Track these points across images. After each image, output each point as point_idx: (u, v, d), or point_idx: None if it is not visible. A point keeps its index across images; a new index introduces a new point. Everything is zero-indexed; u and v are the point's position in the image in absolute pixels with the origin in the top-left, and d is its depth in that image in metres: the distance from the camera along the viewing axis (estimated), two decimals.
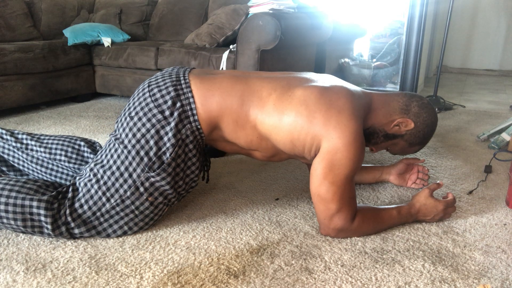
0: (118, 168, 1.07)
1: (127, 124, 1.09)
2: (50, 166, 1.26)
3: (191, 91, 1.11)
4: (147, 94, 1.11)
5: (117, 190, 1.06)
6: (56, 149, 1.25)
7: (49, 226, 1.03)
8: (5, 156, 1.27)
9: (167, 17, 3.18)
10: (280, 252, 1.05)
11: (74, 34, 2.84)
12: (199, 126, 1.10)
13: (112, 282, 0.92)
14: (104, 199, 1.06)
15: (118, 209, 1.07)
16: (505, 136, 1.93)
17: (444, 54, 3.13)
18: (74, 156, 1.26)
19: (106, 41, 2.87)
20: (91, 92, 3.00)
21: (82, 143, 1.28)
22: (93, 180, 1.07)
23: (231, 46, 2.36)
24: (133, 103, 1.12)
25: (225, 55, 2.31)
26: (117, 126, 1.12)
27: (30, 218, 1.02)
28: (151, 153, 1.06)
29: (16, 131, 1.28)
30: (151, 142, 1.06)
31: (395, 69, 3.11)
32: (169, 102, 1.08)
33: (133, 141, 1.07)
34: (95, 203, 1.06)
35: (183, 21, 3.10)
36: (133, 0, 3.35)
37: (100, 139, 2.02)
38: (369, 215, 1.12)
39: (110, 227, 1.08)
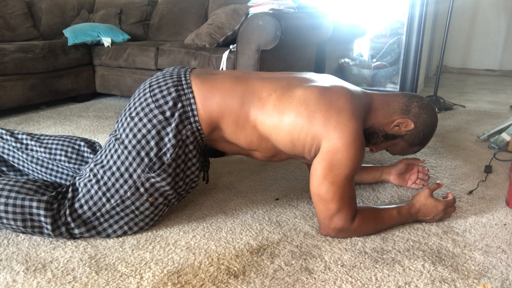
0: (118, 168, 1.07)
1: (128, 124, 1.09)
2: (50, 166, 1.26)
3: (192, 92, 1.11)
4: (148, 95, 1.11)
5: (117, 191, 1.06)
6: (56, 149, 1.25)
7: (49, 227, 1.03)
8: (5, 156, 1.27)
9: (167, 17, 3.18)
10: (280, 252, 1.05)
11: (74, 34, 2.84)
12: (199, 127, 1.10)
13: (112, 282, 0.92)
14: (104, 199, 1.06)
15: (118, 209, 1.07)
16: (505, 136, 1.93)
17: (444, 54, 3.13)
18: (74, 156, 1.26)
19: (106, 41, 2.87)
20: (91, 92, 3.01)
21: (82, 143, 1.28)
22: (93, 181, 1.07)
23: (231, 46, 2.36)
24: (134, 103, 1.12)
25: (225, 55, 2.31)
26: (117, 126, 1.12)
27: (30, 219, 1.02)
28: (152, 154, 1.06)
29: (16, 131, 1.28)
30: (152, 143, 1.06)
31: (395, 69, 3.11)
32: (170, 103, 1.08)
33: (134, 142, 1.07)
34: (95, 203, 1.06)
35: (183, 21, 3.10)
36: (133, 0, 3.35)
37: (100, 139, 2.02)
38: (369, 215, 1.12)
39: (110, 227, 1.08)
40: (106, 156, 1.10)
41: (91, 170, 1.09)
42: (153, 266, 0.98)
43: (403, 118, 1.20)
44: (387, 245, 1.08)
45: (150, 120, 1.07)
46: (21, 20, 2.96)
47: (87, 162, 1.26)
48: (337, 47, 3.20)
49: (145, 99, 1.10)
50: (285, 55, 2.36)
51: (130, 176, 1.06)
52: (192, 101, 1.10)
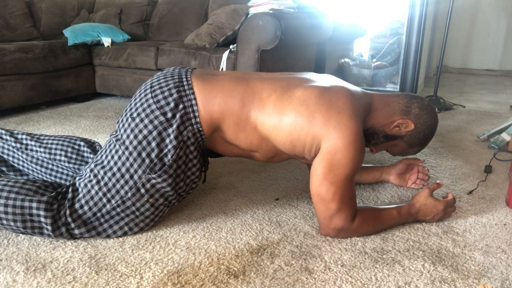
0: (119, 169, 1.07)
1: (129, 125, 1.09)
2: (50, 166, 1.26)
3: (193, 93, 1.11)
4: (149, 95, 1.11)
5: (118, 191, 1.06)
6: (56, 149, 1.25)
7: (49, 227, 1.03)
8: (5, 156, 1.27)
9: (167, 17, 3.18)
10: (280, 252, 1.05)
11: (74, 34, 2.84)
12: (200, 128, 1.10)
13: (112, 282, 0.92)
14: (104, 200, 1.06)
15: (118, 210, 1.07)
16: (505, 136, 1.93)
17: (444, 54, 3.13)
18: (74, 156, 1.26)
19: (106, 41, 2.87)
20: (91, 92, 3.00)
21: (82, 143, 1.28)
22: (94, 181, 1.07)
23: (231, 46, 2.36)
24: (135, 104, 1.12)
25: (225, 55, 2.31)
26: (118, 127, 1.12)
27: (30, 219, 1.02)
28: (153, 155, 1.06)
29: (15, 131, 1.28)
30: (153, 144, 1.06)
31: (395, 69, 3.11)
32: (172, 104, 1.08)
33: (135, 143, 1.07)
34: (95, 204, 1.06)
35: (183, 21, 3.10)
36: (133, 0, 3.35)
37: (100, 139, 2.02)
38: (369, 215, 1.12)
39: (110, 227, 1.08)
40: (106, 156, 1.10)
41: (91, 170, 1.09)
42: (153, 266, 0.98)
43: (403, 118, 1.20)
44: (387, 245, 1.08)
45: (151, 121, 1.07)
46: (21, 20, 2.96)
47: (87, 162, 1.26)
48: (337, 47, 3.20)
49: (146, 100, 1.10)
50: (285, 55, 2.36)
51: (131, 177, 1.06)
52: (193, 102, 1.10)
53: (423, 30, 2.67)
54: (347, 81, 1.25)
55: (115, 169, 1.07)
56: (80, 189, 1.07)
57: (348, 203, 1.07)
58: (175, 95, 1.09)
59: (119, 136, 1.10)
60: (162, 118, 1.07)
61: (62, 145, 1.26)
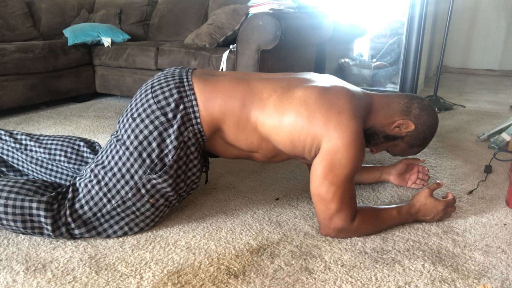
0: (119, 169, 1.07)
1: (129, 125, 1.09)
2: (49, 166, 1.26)
3: (194, 94, 1.11)
4: (150, 96, 1.11)
5: (118, 192, 1.06)
6: (55, 149, 1.25)
7: (49, 227, 1.03)
8: (4, 156, 1.27)
9: (167, 17, 3.18)
10: (280, 252, 1.05)
11: (74, 34, 2.84)
12: (201, 129, 1.10)
13: (112, 282, 0.92)
14: (105, 200, 1.06)
15: (119, 210, 1.07)
16: (505, 136, 1.93)
17: (444, 54, 3.13)
18: (73, 156, 1.26)
19: (106, 41, 2.87)
20: (91, 92, 3.01)
21: (82, 143, 1.28)
22: (94, 181, 1.07)
23: (231, 46, 2.36)
24: (136, 104, 1.12)
25: (225, 55, 2.31)
26: (119, 127, 1.12)
27: (30, 219, 1.02)
28: (153, 155, 1.06)
29: (15, 132, 1.28)
30: (154, 144, 1.06)
31: (395, 69, 3.11)
32: (172, 105, 1.08)
33: (135, 143, 1.07)
34: (96, 204, 1.06)
35: (183, 21, 3.10)
36: (133, 0, 3.35)
37: (100, 139, 2.02)
38: (369, 215, 1.12)
39: (110, 227, 1.08)
40: (107, 157, 1.10)
41: (92, 170, 1.09)
42: (153, 266, 0.98)
43: (404, 119, 1.20)
44: (387, 245, 1.08)
45: (152, 122, 1.07)
46: (21, 20, 2.96)
47: (86, 162, 1.25)
48: (337, 47, 3.20)
49: (147, 100, 1.10)
50: (285, 55, 2.36)
51: (132, 177, 1.06)
52: (194, 102, 1.10)
53: (423, 30, 2.67)
54: (347, 81, 1.25)
55: (115, 169, 1.07)
56: (80, 189, 1.07)
57: (348, 203, 1.07)
58: (175, 96, 1.09)
59: (120, 137, 1.10)
60: (162, 119, 1.07)
61: (62, 145, 1.26)
